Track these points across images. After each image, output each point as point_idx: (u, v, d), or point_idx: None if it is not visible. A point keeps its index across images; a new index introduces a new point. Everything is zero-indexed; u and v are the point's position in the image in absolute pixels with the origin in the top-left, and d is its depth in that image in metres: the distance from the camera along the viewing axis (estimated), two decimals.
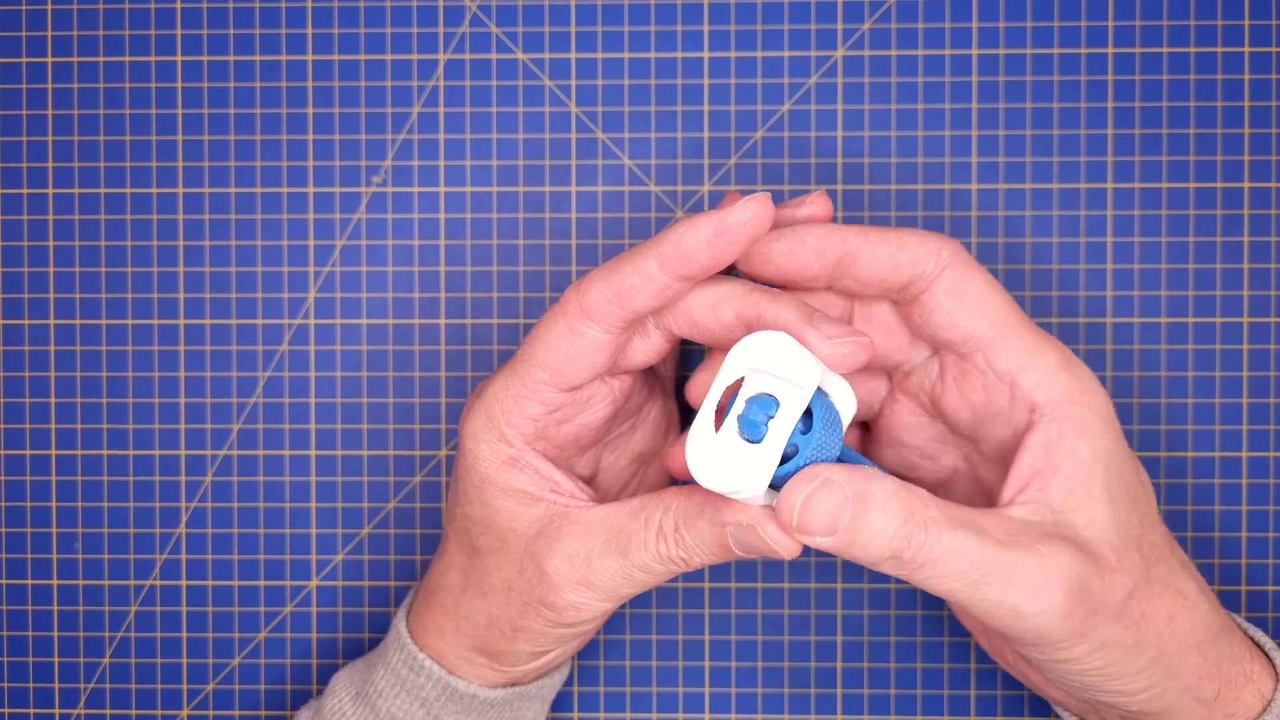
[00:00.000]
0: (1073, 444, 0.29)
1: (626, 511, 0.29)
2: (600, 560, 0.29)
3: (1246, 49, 0.36)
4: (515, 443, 0.30)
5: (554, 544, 0.30)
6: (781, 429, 0.26)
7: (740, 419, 0.26)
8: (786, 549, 0.27)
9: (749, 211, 0.28)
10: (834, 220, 0.34)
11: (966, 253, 0.30)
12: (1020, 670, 0.33)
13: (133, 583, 0.37)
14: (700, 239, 0.28)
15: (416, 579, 0.37)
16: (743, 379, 0.27)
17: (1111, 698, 0.29)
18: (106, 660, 0.37)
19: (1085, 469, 0.28)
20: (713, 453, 0.26)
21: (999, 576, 0.26)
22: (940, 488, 0.34)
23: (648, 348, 0.30)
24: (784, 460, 0.27)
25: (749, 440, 0.26)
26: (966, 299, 0.29)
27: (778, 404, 0.26)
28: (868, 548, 0.26)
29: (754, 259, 0.30)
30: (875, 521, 0.26)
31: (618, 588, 0.30)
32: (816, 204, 0.31)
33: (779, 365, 0.27)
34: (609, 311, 0.29)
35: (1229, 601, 0.36)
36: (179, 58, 0.37)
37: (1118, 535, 0.28)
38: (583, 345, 0.29)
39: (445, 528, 0.33)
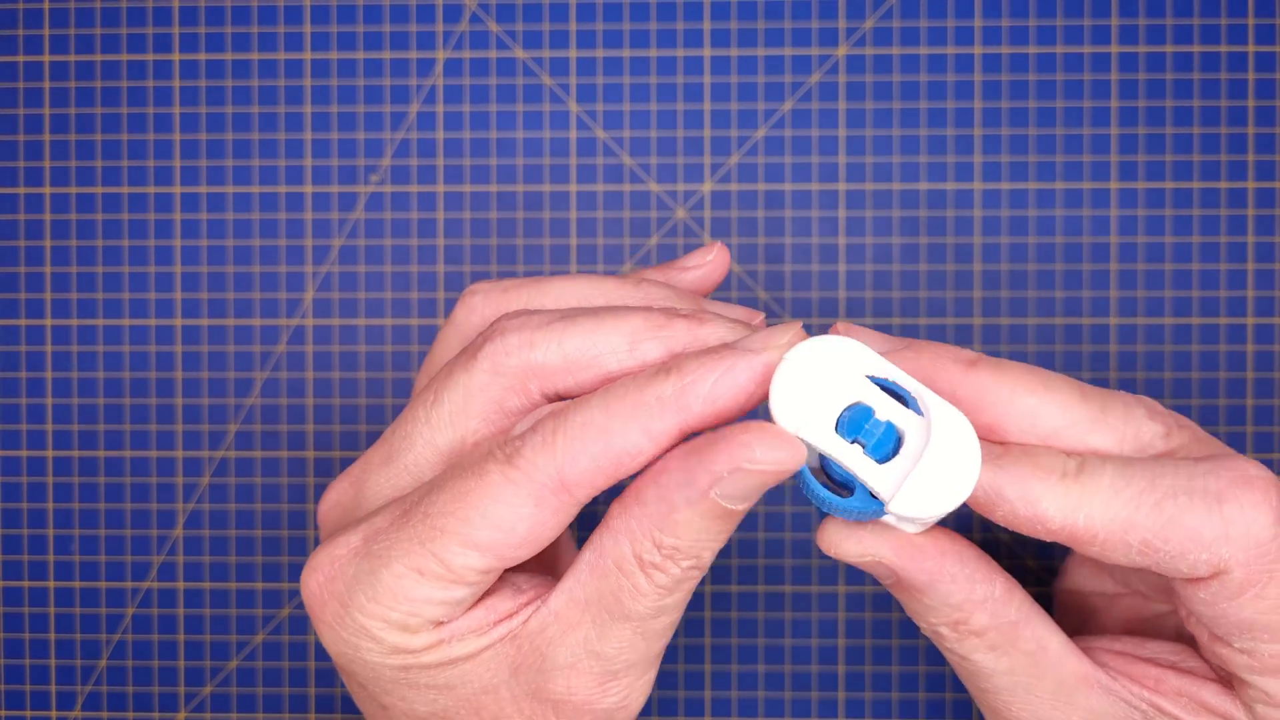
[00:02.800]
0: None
1: (587, 571, 0.23)
2: (604, 641, 0.23)
3: (1250, 48, 0.36)
4: (429, 627, 0.23)
5: (541, 667, 0.23)
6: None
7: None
8: (788, 455, 0.21)
9: (790, 333, 0.22)
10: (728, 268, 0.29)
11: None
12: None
13: (129, 585, 0.37)
14: (740, 386, 0.21)
15: None
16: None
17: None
18: (103, 663, 0.37)
19: None
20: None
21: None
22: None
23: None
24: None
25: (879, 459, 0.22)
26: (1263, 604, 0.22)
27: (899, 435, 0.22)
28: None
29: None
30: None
31: (646, 650, 0.24)
32: (716, 260, 0.26)
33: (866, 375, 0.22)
34: (597, 484, 0.22)
35: None
36: (176, 56, 0.37)
37: None
38: (551, 522, 0.22)
39: None
